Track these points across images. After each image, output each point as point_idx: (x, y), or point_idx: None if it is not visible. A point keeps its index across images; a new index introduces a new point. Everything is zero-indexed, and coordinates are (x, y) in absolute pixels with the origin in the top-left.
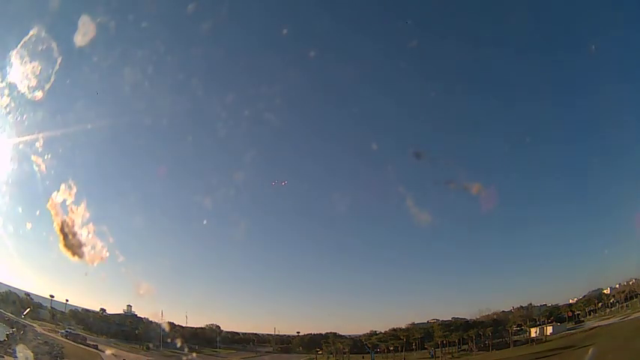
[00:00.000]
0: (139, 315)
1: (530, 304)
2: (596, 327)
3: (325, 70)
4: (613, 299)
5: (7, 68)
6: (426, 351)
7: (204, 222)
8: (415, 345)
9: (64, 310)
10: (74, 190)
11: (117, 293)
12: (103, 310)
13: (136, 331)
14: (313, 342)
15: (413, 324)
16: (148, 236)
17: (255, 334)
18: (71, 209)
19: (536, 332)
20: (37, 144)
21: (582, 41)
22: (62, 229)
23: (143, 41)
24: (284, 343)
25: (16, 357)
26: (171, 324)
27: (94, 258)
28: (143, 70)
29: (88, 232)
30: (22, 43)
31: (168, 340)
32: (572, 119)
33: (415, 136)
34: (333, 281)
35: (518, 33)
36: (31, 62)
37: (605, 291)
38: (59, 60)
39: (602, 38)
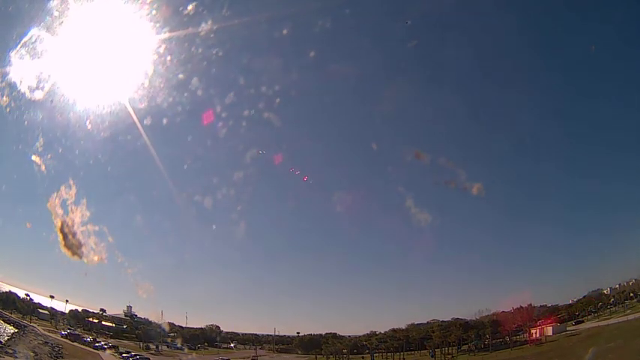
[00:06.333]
0: (139, 315)
1: (530, 304)
2: (596, 327)
3: (325, 70)
4: (613, 299)
5: (8, 68)
6: (425, 351)
7: (204, 223)
8: (415, 345)
9: (64, 311)
10: (74, 190)
11: (117, 293)
12: (103, 310)
13: (136, 331)
14: (313, 342)
15: (413, 324)
16: (148, 236)
17: (255, 334)
18: (71, 209)
19: (536, 332)
20: (37, 144)
21: (583, 42)
22: (62, 229)
23: (143, 41)
24: (284, 343)
25: (16, 357)
26: (171, 324)
27: (94, 258)
28: (143, 70)
29: (88, 232)
30: (22, 43)
31: (169, 340)
32: (571, 119)
33: (415, 136)
34: (332, 282)
35: (520, 33)
36: (30, 62)
37: (604, 291)
38: (59, 60)
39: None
